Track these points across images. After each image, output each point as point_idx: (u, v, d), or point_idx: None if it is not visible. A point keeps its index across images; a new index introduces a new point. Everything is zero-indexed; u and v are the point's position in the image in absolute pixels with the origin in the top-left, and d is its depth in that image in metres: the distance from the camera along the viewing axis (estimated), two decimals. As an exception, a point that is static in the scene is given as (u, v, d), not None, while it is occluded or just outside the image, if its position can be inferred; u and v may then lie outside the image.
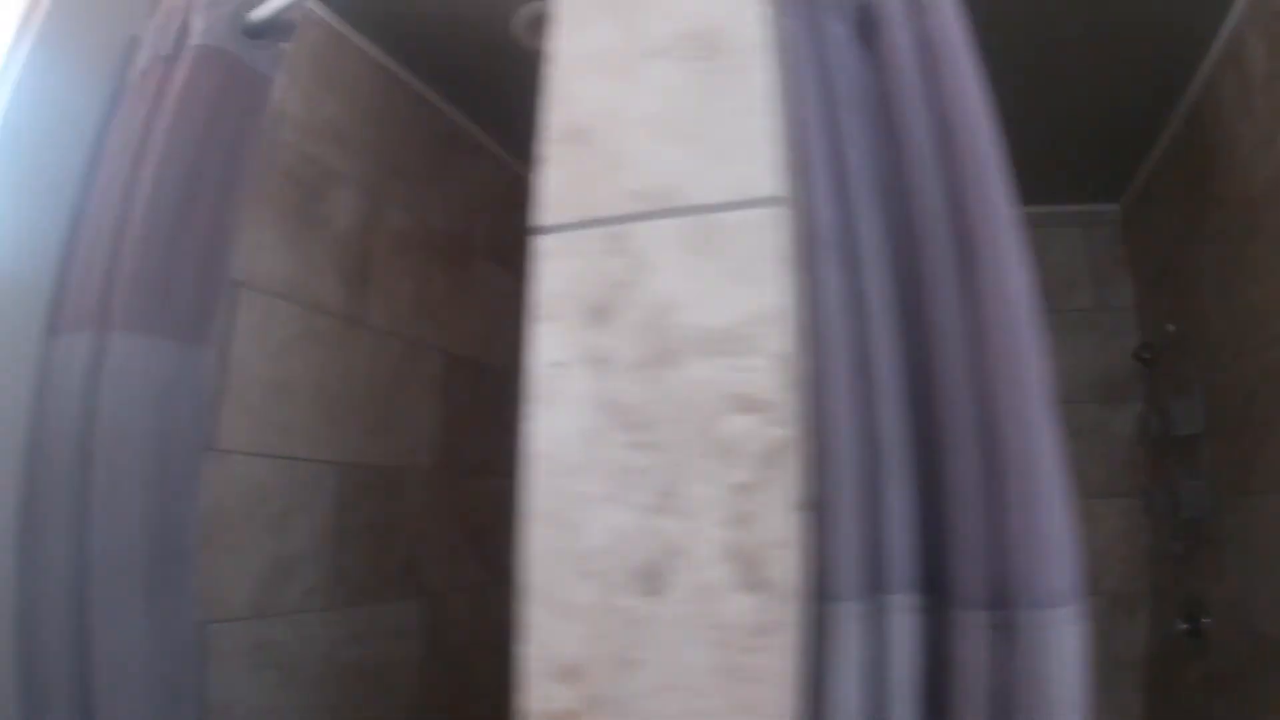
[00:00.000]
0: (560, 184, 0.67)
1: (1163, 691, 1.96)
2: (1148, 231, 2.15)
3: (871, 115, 0.76)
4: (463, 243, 1.95)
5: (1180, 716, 1.84)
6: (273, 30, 1.16)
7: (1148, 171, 2.08)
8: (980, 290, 0.66)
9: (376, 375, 1.61)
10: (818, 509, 0.61)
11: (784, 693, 0.54)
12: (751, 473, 0.57)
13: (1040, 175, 1.91)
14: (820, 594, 0.60)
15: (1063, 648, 0.59)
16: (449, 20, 1.62)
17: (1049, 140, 1.92)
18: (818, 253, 0.67)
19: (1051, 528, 0.61)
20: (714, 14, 0.67)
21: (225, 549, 1.25)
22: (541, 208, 0.68)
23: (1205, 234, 1.70)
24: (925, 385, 0.68)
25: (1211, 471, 1.70)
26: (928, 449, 0.67)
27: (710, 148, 0.65)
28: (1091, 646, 0.60)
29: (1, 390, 1.06)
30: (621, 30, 0.70)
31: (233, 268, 1.11)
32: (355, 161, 1.62)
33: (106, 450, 0.96)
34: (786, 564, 0.56)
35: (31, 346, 1.10)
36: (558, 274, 0.66)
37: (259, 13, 1.13)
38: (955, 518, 0.64)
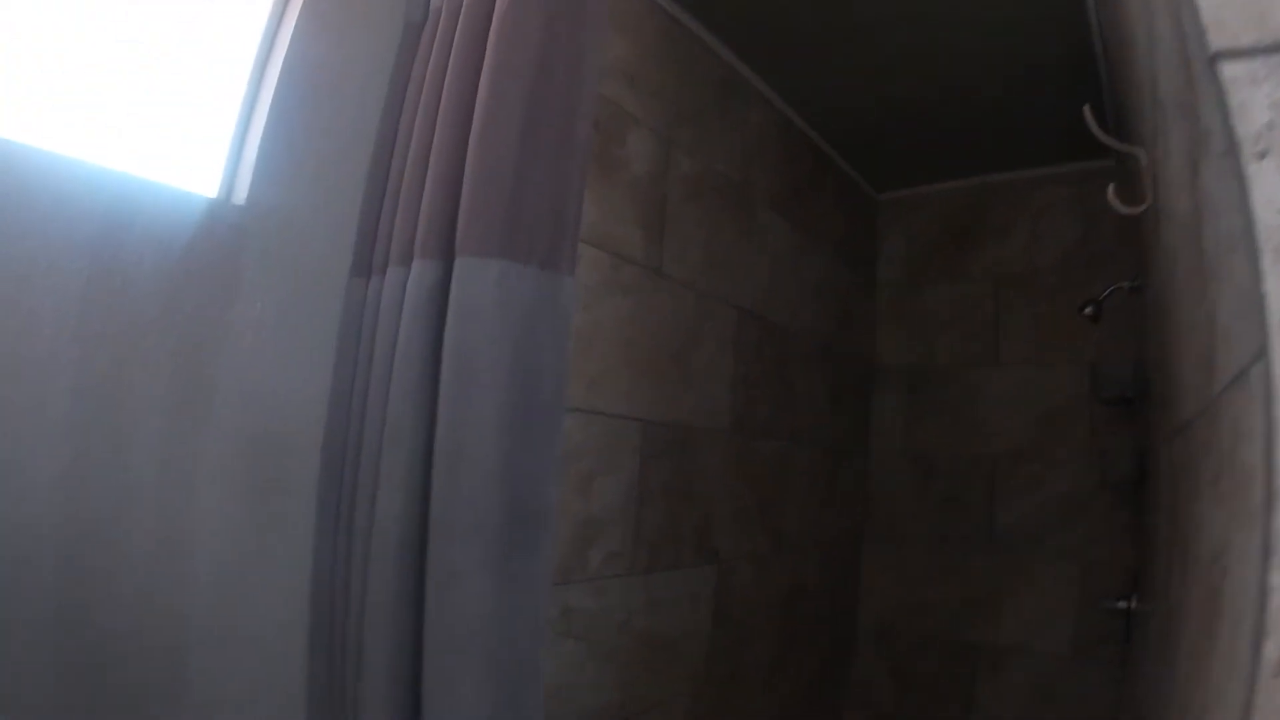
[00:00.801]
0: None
1: None
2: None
3: None
4: (745, 192, 1.80)
5: None
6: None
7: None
8: None
9: (674, 329, 1.51)
10: None
11: None
12: None
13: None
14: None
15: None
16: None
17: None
18: None
19: None
20: None
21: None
22: (1218, 29, 0.49)
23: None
24: None
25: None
26: None
27: None
28: None
29: (311, 334, 1.07)
30: None
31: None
32: (646, 104, 1.51)
33: (454, 391, 0.87)
34: None
35: (339, 288, 1.10)
36: (1261, 104, 0.47)
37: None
38: None
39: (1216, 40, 0.47)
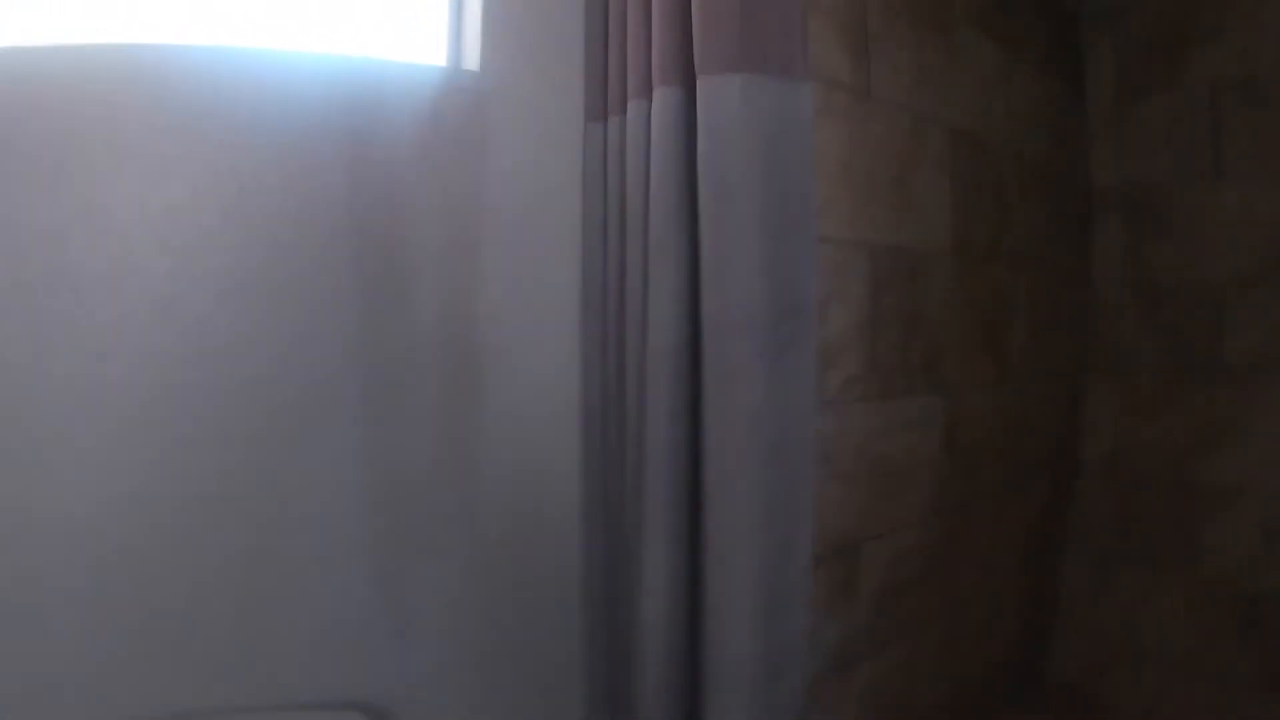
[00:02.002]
0: None
1: None
2: None
3: None
4: (945, 9, 1.69)
5: None
6: None
7: None
8: None
9: (890, 153, 1.47)
10: None
11: None
12: None
13: None
14: None
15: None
16: None
17: None
18: None
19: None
20: None
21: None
22: None
23: None
24: None
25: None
26: None
27: None
28: None
29: (559, 181, 1.13)
30: None
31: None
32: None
33: (713, 205, 0.91)
34: None
35: (574, 133, 1.15)
36: None
37: None
38: None
39: None
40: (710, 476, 0.95)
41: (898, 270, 1.47)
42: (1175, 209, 2.02)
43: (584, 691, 1.19)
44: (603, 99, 1.13)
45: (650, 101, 0.99)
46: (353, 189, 1.01)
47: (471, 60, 1.12)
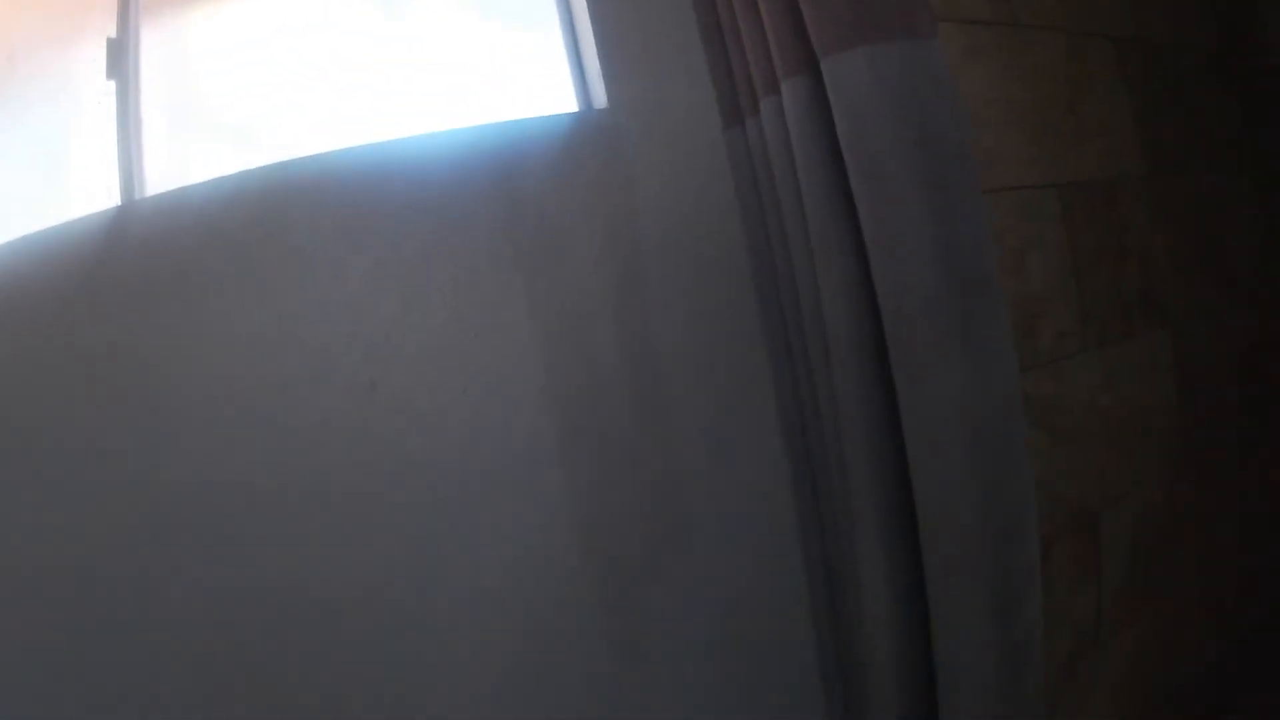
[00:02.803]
0: None
1: None
2: None
3: None
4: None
5: None
6: None
7: None
8: None
9: (1053, 80, 1.34)
10: None
11: None
12: None
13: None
14: None
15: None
16: None
17: None
18: None
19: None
20: None
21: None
22: None
23: None
24: None
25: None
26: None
27: None
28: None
29: (705, 191, 1.11)
30: None
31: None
32: None
33: (866, 186, 0.87)
34: None
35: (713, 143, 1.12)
36: None
37: None
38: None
39: None
40: (916, 471, 0.89)
41: (1092, 203, 1.33)
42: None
43: (822, 707, 1.13)
44: (735, 103, 1.10)
45: (780, 96, 0.96)
46: (514, 246, 1.04)
47: (599, 99, 1.13)
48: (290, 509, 0.95)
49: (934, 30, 0.88)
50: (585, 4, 1.13)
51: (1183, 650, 1.48)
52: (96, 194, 1.19)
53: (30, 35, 1.37)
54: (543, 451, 1.02)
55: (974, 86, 1.22)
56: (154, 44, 1.27)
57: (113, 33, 1.28)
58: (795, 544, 1.12)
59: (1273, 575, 1.67)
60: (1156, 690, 1.43)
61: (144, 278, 1.02)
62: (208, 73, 1.24)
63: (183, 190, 1.05)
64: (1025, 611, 0.89)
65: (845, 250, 0.91)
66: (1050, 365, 1.24)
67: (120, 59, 1.26)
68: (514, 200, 1.03)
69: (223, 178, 1.04)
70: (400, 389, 0.99)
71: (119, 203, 1.16)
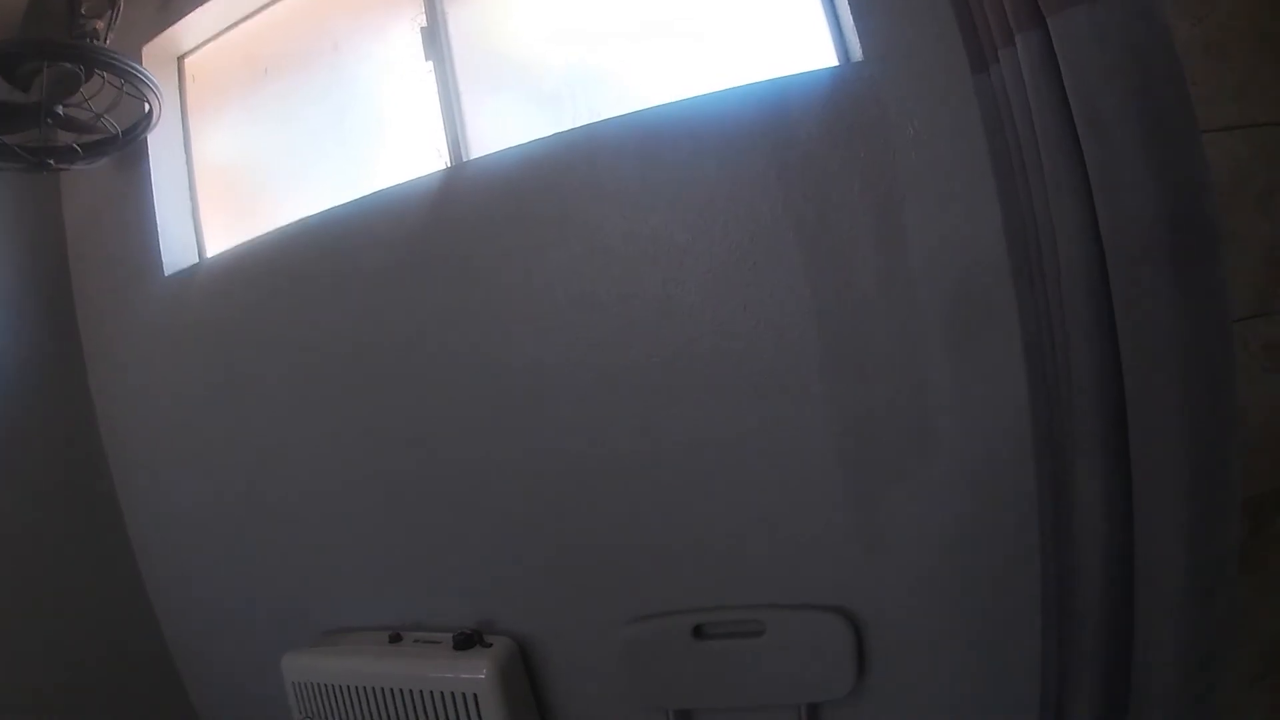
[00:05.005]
0: None
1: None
2: None
3: None
4: None
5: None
6: None
7: None
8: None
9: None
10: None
11: None
12: None
13: None
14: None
15: None
16: None
17: None
18: None
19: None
20: None
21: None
22: None
23: None
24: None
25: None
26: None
27: None
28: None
29: (957, 132, 1.20)
30: None
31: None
32: None
33: (1091, 133, 0.95)
34: None
35: (963, 87, 1.20)
36: None
37: None
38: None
39: None
40: (1130, 396, 0.98)
41: (1350, 138, 1.30)
42: None
43: (1040, 609, 1.23)
44: (979, 50, 1.18)
45: (1015, 48, 1.05)
46: (786, 188, 1.20)
47: (855, 52, 1.24)
48: (602, 392, 1.30)
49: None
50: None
51: None
52: (427, 158, 1.46)
53: (349, 27, 1.65)
54: (808, 359, 1.20)
55: (1218, 20, 1.23)
56: (462, 26, 1.51)
57: (424, 22, 1.54)
58: (1029, 459, 1.21)
59: None
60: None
61: (480, 217, 1.36)
62: (513, 48, 1.47)
63: (504, 151, 1.29)
64: (1223, 535, 0.97)
65: (1074, 192, 1.00)
66: (1295, 306, 1.25)
67: (434, 43, 1.51)
68: (783, 147, 1.20)
69: (539, 139, 1.28)
70: (692, 304, 1.24)
71: (448, 164, 1.43)
